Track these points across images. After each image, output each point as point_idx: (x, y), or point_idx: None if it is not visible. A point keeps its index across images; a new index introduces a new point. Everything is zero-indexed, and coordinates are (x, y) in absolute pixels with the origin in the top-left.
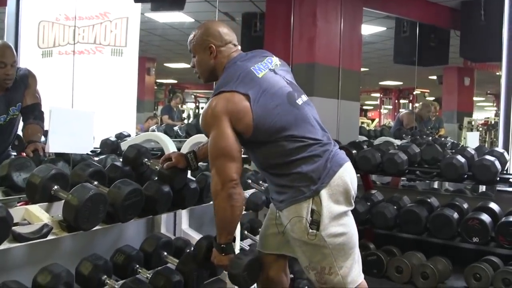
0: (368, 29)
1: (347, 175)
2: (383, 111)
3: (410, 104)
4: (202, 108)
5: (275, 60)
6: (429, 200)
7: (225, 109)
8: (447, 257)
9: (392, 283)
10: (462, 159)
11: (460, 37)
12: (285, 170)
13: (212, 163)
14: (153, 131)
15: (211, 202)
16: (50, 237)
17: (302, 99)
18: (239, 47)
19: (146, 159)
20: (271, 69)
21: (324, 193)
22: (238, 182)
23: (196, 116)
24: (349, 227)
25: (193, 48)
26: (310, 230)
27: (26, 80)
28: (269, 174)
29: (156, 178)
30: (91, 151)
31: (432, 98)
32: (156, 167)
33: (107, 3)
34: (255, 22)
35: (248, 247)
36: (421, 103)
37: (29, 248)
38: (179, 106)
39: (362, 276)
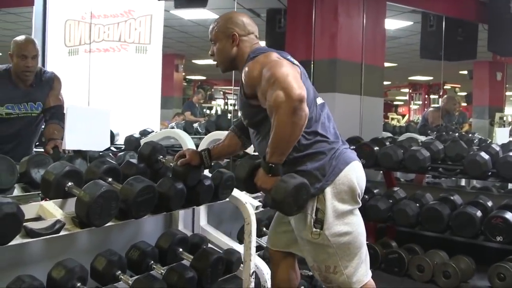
0: (394, 24)
1: (353, 174)
2: (413, 106)
3: (440, 100)
4: (231, 104)
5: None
6: (452, 198)
7: (279, 56)
8: (470, 256)
9: (413, 281)
10: (486, 156)
11: (488, 31)
12: (292, 167)
13: (272, 86)
14: (172, 127)
15: (227, 199)
16: (62, 233)
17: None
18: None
19: (161, 156)
20: None
21: (328, 191)
22: (305, 102)
23: (223, 112)
24: (354, 226)
25: (214, 35)
26: (314, 229)
27: (52, 82)
28: None
29: (171, 175)
30: (115, 148)
31: (464, 93)
32: (171, 164)
33: (131, 1)
34: (280, 18)
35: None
36: (445, 96)
37: (45, 244)
38: (201, 102)
39: (370, 275)
